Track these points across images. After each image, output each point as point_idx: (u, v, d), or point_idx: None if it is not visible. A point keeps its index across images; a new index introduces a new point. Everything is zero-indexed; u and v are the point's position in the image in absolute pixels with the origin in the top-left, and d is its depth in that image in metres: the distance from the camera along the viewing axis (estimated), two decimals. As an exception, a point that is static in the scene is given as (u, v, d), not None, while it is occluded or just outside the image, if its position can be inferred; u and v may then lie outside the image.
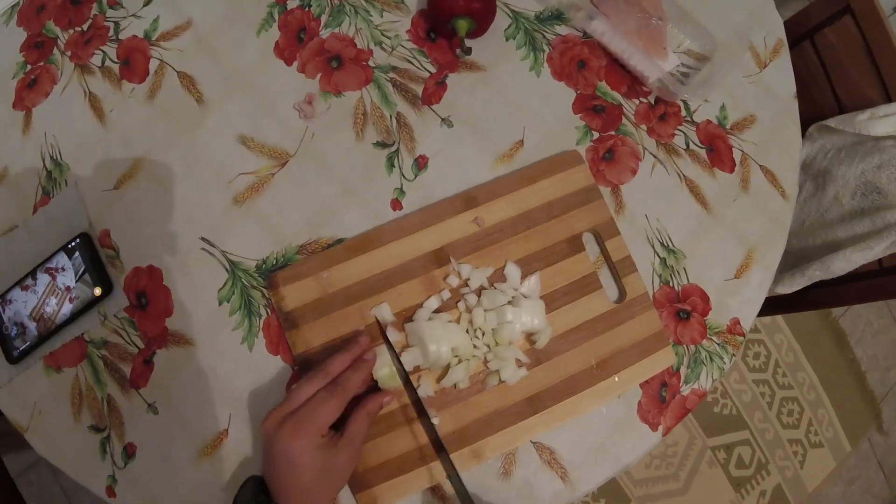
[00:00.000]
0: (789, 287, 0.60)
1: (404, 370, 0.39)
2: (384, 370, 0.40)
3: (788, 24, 0.60)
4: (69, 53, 0.48)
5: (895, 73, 0.54)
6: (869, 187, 0.57)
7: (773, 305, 0.67)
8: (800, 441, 1.04)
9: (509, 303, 0.41)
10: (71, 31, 0.49)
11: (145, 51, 0.47)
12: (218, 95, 0.46)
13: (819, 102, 0.60)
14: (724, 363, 0.48)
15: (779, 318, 1.08)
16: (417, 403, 0.40)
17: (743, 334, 0.48)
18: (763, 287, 0.50)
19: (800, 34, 0.60)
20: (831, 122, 0.57)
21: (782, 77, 0.55)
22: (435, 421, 0.39)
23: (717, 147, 0.50)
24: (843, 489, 1.04)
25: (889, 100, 0.56)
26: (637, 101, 0.49)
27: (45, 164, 0.46)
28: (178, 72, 0.46)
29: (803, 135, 0.60)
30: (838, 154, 0.58)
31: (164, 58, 0.47)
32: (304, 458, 0.34)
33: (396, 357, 0.40)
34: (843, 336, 1.09)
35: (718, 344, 0.47)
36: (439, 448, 0.39)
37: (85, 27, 0.49)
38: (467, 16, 0.44)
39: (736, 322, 0.48)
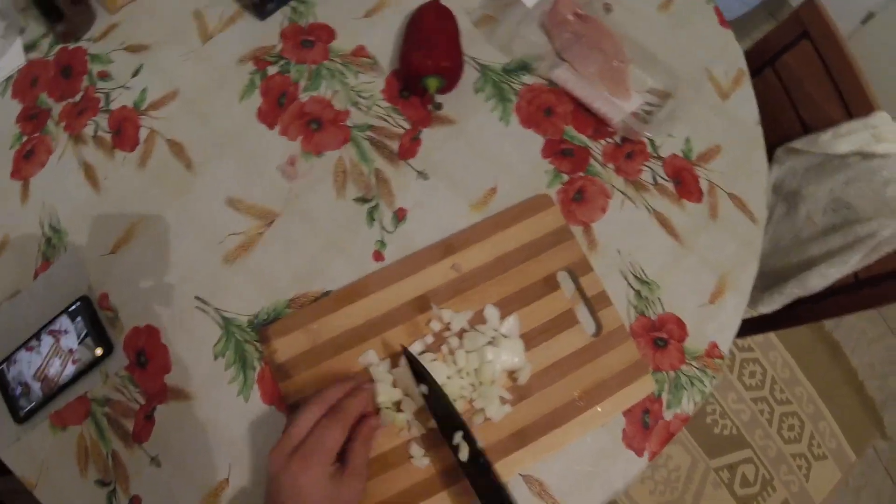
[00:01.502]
0: (770, 306, 0.65)
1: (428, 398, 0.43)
2: (383, 397, 0.44)
3: (750, 53, 0.67)
4: (63, 124, 0.54)
5: (854, 92, 0.60)
6: (838, 203, 0.62)
7: (757, 325, 0.72)
8: (803, 455, 1.08)
9: (489, 343, 0.46)
10: (64, 103, 0.55)
11: (135, 120, 0.53)
12: (205, 160, 0.52)
13: (785, 126, 0.66)
14: (705, 386, 0.52)
15: (771, 336, 1.13)
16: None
17: (721, 357, 0.53)
18: (738, 310, 0.55)
19: (762, 62, 0.67)
20: (797, 143, 0.63)
21: (745, 105, 0.61)
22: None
23: (683, 179, 0.56)
24: (852, 499, 1.08)
25: (851, 118, 0.62)
26: (604, 142, 0.55)
27: (44, 231, 0.51)
28: (167, 139, 0.52)
29: (771, 158, 0.67)
30: (806, 174, 0.63)
31: (154, 126, 0.53)
32: (314, 491, 0.36)
33: (416, 381, 0.43)
34: (838, 347, 1.14)
35: (698, 368, 0.52)
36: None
37: (77, 98, 0.55)
38: (437, 74, 0.50)
39: (714, 346, 0.53)
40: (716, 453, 1.05)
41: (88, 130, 0.53)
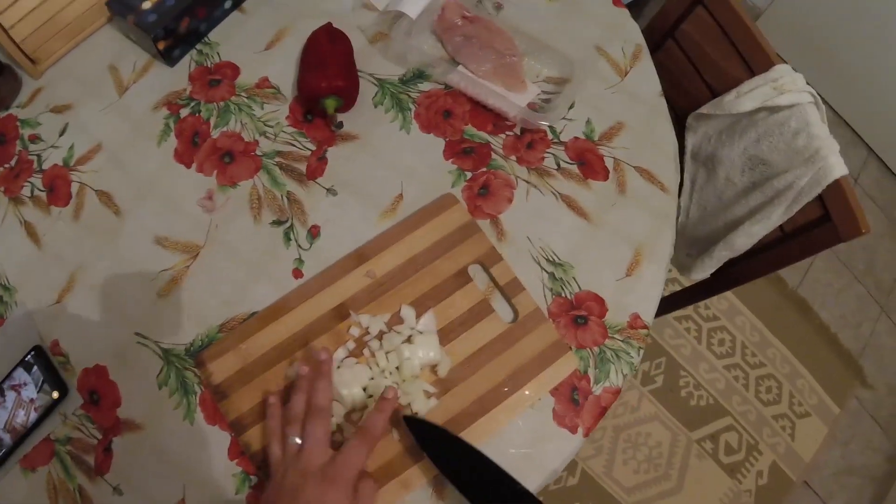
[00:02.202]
0: (702, 272, 0.68)
1: None
2: (355, 389, 0.48)
3: (649, 29, 0.70)
4: (2, 189, 0.59)
5: (751, 50, 0.63)
6: (754, 161, 0.65)
7: (694, 292, 0.75)
8: (785, 415, 1.11)
9: (406, 341, 0.50)
10: (1, 169, 0.60)
11: (66, 177, 0.58)
12: (132, 205, 0.57)
13: (693, 94, 0.69)
14: (633, 357, 0.56)
15: (736, 301, 1.16)
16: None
17: (646, 327, 0.57)
18: (657, 279, 0.58)
19: (662, 35, 0.70)
20: (704, 109, 0.66)
21: (646, 80, 0.64)
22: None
23: (587, 160, 0.59)
24: (842, 451, 1.10)
25: (753, 76, 0.64)
26: (504, 136, 0.58)
27: (-5, 291, 0.57)
28: (95, 190, 0.57)
29: (684, 127, 0.70)
30: (719, 137, 0.66)
31: (83, 180, 0.58)
32: None
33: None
34: (805, 304, 1.16)
35: (622, 341, 0.55)
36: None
37: (13, 163, 0.60)
38: (332, 95, 0.54)
39: (636, 317, 0.56)
40: (695, 425, 1.08)
41: (25, 192, 0.58)
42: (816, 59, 1.47)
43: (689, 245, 0.73)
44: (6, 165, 0.60)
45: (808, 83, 0.61)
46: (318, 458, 0.42)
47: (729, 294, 1.19)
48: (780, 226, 0.65)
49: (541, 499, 0.46)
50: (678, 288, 0.79)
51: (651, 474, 1.06)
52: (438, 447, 0.46)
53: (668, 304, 0.83)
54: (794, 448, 1.10)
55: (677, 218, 0.60)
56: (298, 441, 0.44)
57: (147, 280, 0.54)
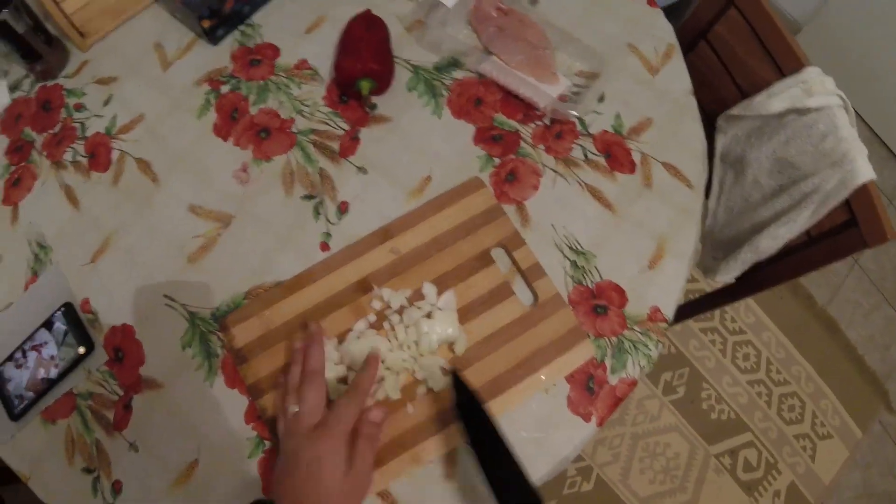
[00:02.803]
0: (728, 275, 0.68)
1: None
2: (329, 373, 0.49)
3: (683, 29, 0.72)
4: (45, 153, 0.63)
5: (782, 51, 0.64)
6: (782, 164, 0.66)
7: (718, 297, 0.75)
8: (807, 435, 1.09)
9: (425, 317, 0.51)
10: (45, 134, 0.64)
11: (107, 144, 0.62)
12: (169, 174, 0.60)
13: (724, 95, 0.70)
14: (650, 350, 0.56)
15: (763, 316, 1.15)
16: None
17: (665, 321, 0.57)
18: (679, 274, 0.59)
19: (695, 36, 0.71)
20: (734, 110, 0.67)
21: (676, 78, 0.66)
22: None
23: (614, 153, 0.61)
24: (862, 475, 1.08)
25: (784, 77, 0.66)
26: (533, 125, 0.61)
27: (32, 249, 0.60)
28: (135, 158, 0.61)
29: (714, 128, 0.71)
30: (749, 139, 0.67)
31: (123, 148, 0.62)
32: (333, 460, 0.39)
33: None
34: (834, 323, 1.15)
35: (640, 332, 0.56)
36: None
37: (56, 129, 0.64)
38: (367, 77, 0.57)
39: (656, 310, 0.57)
40: (714, 439, 1.07)
41: (67, 157, 0.62)
42: (855, 78, 1.47)
43: (715, 248, 0.73)
44: (50, 131, 0.64)
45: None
46: (311, 419, 0.43)
47: (756, 308, 1.19)
48: (807, 230, 0.66)
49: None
50: (702, 292, 0.79)
51: (667, 485, 1.05)
52: (470, 415, 0.47)
53: (692, 309, 0.83)
54: (814, 469, 1.09)
55: (704, 220, 0.61)
56: (296, 409, 0.46)
57: (179, 246, 0.57)
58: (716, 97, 0.70)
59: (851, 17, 1.41)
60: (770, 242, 0.65)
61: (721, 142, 0.70)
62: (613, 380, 0.55)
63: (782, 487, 1.09)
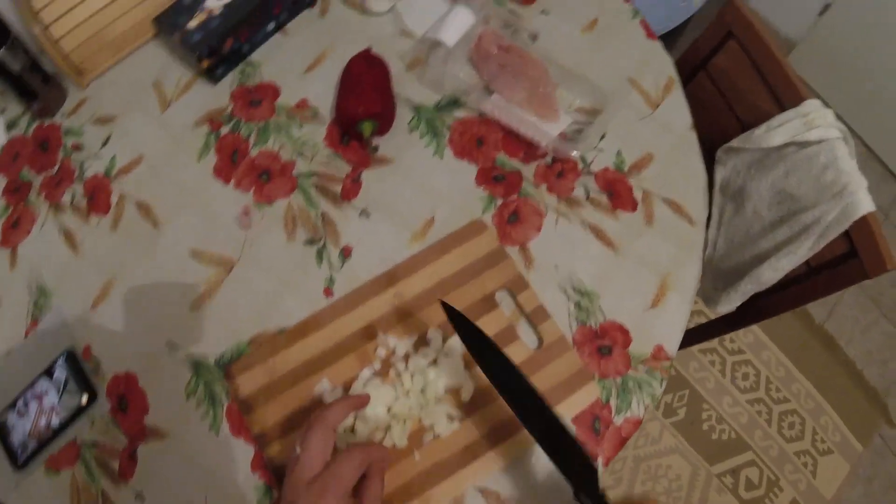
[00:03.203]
0: (728, 305, 0.69)
1: None
2: (379, 409, 0.50)
3: (682, 61, 0.73)
4: (43, 195, 0.63)
5: (783, 84, 0.65)
6: (782, 195, 0.67)
7: (719, 325, 0.76)
8: (807, 452, 1.10)
9: (431, 364, 0.52)
10: (43, 175, 0.64)
11: (106, 186, 0.62)
12: (169, 218, 0.60)
13: (723, 126, 0.71)
14: (654, 389, 0.57)
15: (762, 336, 1.17)
16: None
17: (668, 358, 0.58)
18: (682, 310, 0.60)
19: (693, 67, 0.72)
20: (734, 142, 0.68)
21: (677, 112, 0.67)
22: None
23: (616, 191, 0.62)
24: (864, 489, 1.10)
25: (783, 110, 0.67)
26: (535, 164, 0.61)
27: (31, 293, 0.60)
28: (135, 201, 0.61)
29: (714, 160, 0.72)
30: (749, 171, 0.68)
31: (123, 190, 0.62)
32: None
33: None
34: (832, 340, 1.17)
35: (645, 371, 0.57)
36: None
37: (55, 170, 0.64)
38: (369, 119, 0.58)
39: (659, 348, 0.58)
40: (716, 459, 1.09)
41: (66, 199, 0.62)
42: (850, 94, 1.49)
43: (716, 278, 0.74)
44: (48, 172, 0.64)
45: (839, 117, 0.63)
46: (310, 469, 0.41)
47: (755, 328, 1.21)
48: (807, 261, 0.67)
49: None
50: (703, 320, 0.81)
51: (670, 506, 1.06)
52: (481, 352, 0.47)
53: (693, 337, 0.85)
54: (816, 485, 1.10)
55: (704, 250, 0.62)
56: (299, 451, 0.44)
57: (181, 291, 0.58)
58: (715, 128, 0.71)
59: (844, 35, 1.43)
60: (771, 274, 0.66)
61: (721, 173, 0.71)
62: (618, 420, 0.56)
63: (784, 504, 1.10)
